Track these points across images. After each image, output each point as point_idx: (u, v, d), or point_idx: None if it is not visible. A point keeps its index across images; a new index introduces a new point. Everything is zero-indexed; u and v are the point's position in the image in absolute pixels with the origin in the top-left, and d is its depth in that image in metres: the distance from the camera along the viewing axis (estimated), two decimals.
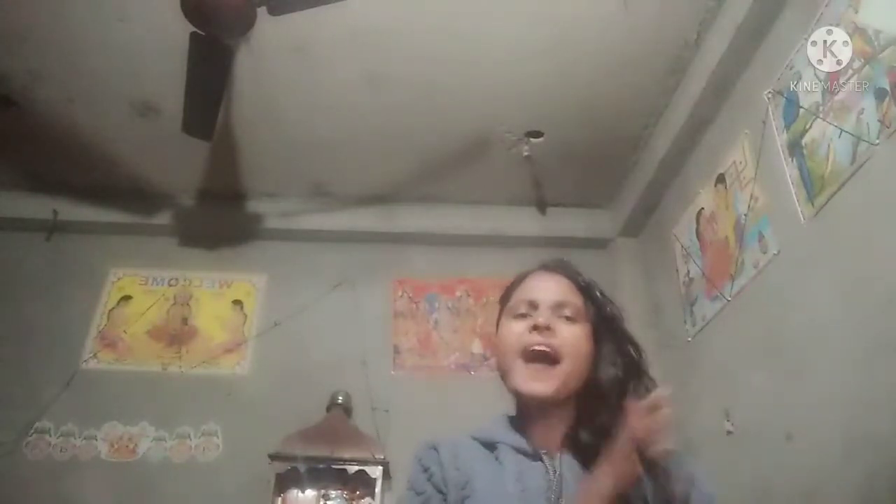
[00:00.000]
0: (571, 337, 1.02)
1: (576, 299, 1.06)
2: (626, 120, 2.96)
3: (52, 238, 3.40)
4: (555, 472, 0.97)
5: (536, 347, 1.01)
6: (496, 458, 1.00)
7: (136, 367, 3.15)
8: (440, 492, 0.98)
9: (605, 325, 1.06)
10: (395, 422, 2.95)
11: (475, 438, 1.05)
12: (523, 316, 1.06)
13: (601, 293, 1.10)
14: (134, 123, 2.95)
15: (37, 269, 3.32)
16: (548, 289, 1.07)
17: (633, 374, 1.02)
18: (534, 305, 1.06)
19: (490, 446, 1.03)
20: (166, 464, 2.91)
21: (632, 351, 1.04)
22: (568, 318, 1.04)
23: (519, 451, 1.01)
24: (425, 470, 1.01)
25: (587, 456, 0.95)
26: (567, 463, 0.97)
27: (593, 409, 0.99)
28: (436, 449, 1.03)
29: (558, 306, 1.05)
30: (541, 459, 0.99)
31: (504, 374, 1.06)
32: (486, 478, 0.97)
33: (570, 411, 1.02)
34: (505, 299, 1.13)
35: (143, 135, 3.02)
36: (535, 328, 1.02)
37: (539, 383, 1.00)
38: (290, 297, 3.31)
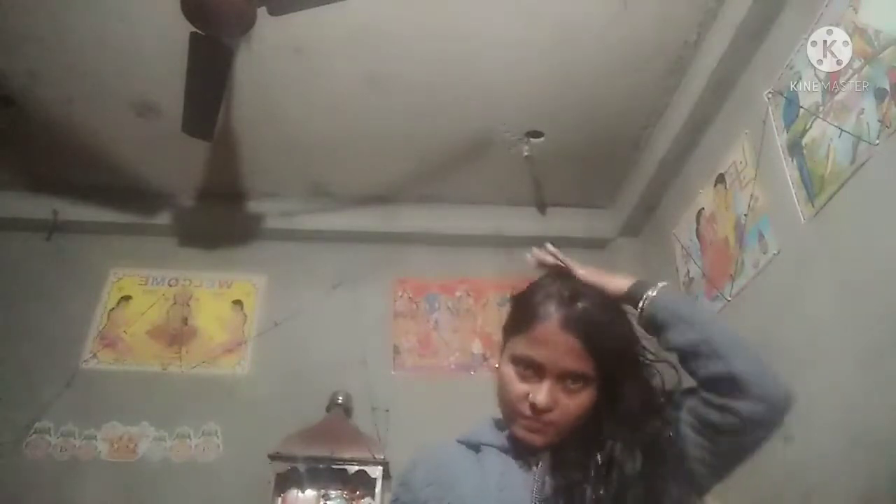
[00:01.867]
0: (572, 407, 0.98)
1: (586, 367, 0.97)
2: (626, 120, 2.96)
3: (52, 238, 3.40)
4: (537, 470, 0.99)
5: (525, 423, 0.99)
6: (479, 461, 1.03)
7: (136, 367, 3.15)
8: None
9: (614, 377, 1.00)
10: (395, 422, 2.95)
11: (461, 442, 1.08)
12: (525, 375, 0.99)
13: (620, 340, 1.01)
14: (134, 123, 2.95)
15: (37, 269, 3.32)
16: (557, 355, 0.97)
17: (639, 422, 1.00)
18: (539, 370, 0.98)
19: (475, 448, 1.06)
20: (166, 464, 2.91)
21: (641, 406, 1.00)
22: (573, 383, 0.97)
23: (503, 451, 1.03)
24: (403, 484, 1.07)
25: (570, 458, 0.97)
26: (549, 463, 0.99)
27: (589, 432, 1.00)
28: (414, 468, 1.07)
29: (563, 376, 0.97)
30: (524, 459, 1.01)
31: (502, 415, 1.05)
32: (469, 481, 1.00)
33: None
34: (510, 330, 1.05)
35: (143, 135, 3.02)
36: (534, 408, 0.97)
37: (533, 435, 1.00)
38: (290, 297, 3.31)
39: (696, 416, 0.95)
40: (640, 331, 1.05)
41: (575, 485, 0.93)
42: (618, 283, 1.05)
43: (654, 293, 1.02)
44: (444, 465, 1.05)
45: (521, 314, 1.03)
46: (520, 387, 0.99)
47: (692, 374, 0.97)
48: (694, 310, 1.04)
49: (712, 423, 0.93)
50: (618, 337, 1.01)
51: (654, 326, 1.01)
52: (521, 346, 1.01)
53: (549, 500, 0.94)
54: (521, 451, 1.02)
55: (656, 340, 1.03)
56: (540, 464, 1.00)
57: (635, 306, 1.03)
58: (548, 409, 0.96)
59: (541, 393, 0.96)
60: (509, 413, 1.02)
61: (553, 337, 0.97)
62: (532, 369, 0.99)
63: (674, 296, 1.05)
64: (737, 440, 0.94)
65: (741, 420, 0.91)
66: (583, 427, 0.99)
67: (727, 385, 0.92)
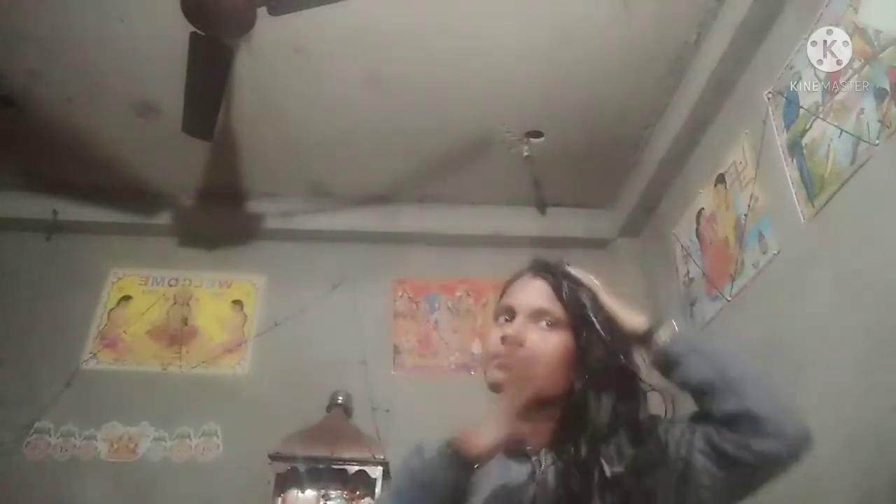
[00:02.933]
0: (544, 344, 1.02)
1: (555, 307, 1.04)
2: (626, 120, 2.96)
3: (52, 238, 3.40)
4: (537, 468, 0.99)
5: (500, 359, 1.02)
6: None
7: (136, 367, 3.15)
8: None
9: (587, 332, 1.03)
10: (395, 422, 2.95)
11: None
12: (504, 321, 1.07)
13: (591, 298, 1.06)
14: (134, 123, 2.95)
15: (37, 269, 3.32)
16: (527, 296, 1.07)
17: (615, 381, 1.01)
18: (511, 312, 1.06)
19: None
20: (166, 464, 2.91)
21: (613, 360, 1.02)
22: (549, 324, 1.03)
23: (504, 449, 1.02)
24: (404, 466, 1.03)
25: (570, 455, 0.96)
26: (550, 461, 0.99)
27: (574, 413, 1.00)
28: (420, 452, 1.04)
29: (537, 313, 1.04)
30: (525, 456, 1.01)
31: (485, 374, 1.08)
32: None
33: (553, 413, 1.03)
34: (496, 305, 1.14)
35: (142, 135, 3.01)
36: (504, 339, 1.02)
37: (500, 372, 1.02)
38: (290, 297, 3.31)
39: (710, 445, 0.92)
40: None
41: (580, 495, 0.93)
42: (635, 318, 1.05)
43: (668, 329, 1.02)
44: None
45: (504, 284, 1.15)
46: (496, 331, 1.05)
47: (708, 412, 0.94)
48: (708, 345, 1.02)
49: (726, 454, 0.91)
50: (585, 287, 1.08)
51: (668, 362, 1.00)
52: (499, 304, 1.10)
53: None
54: (521, 449, 1.01)
55: (670, 378, 1.00)
56: (541, 462, 0.99)
57: (649, 342, 1.02)
58: (517, 341, 1.01)
59: (511, 327, 1.03)
60: (485, 361, 1.06)
61: (524, 283, 1.09)
62: (506, 315, 1.07)
63: (688, 332, 1.05)
64: (750, 474, 0.93)
65: (756, 457, 0.89)
66: (578, 427, 0.98)
67: (743, 422, 0.90)
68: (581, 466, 0.94)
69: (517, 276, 1.13)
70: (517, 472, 0.99)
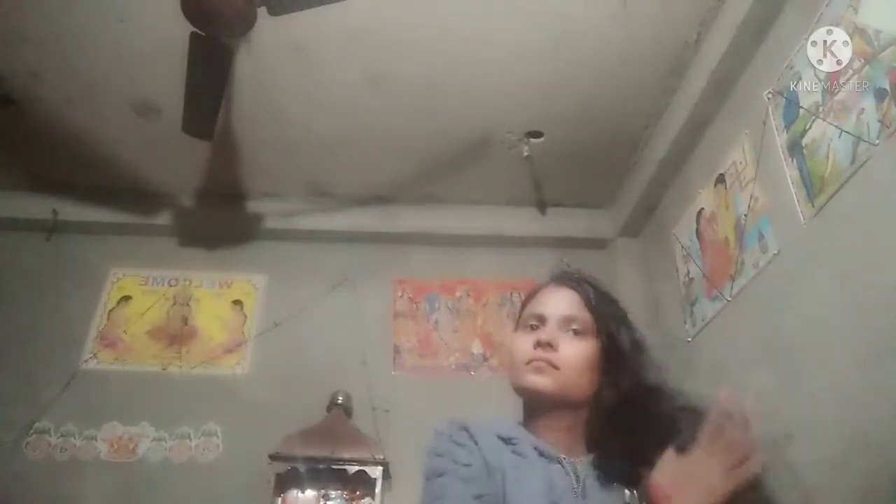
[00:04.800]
0: (575, 351, 1.05)
1: (584, 314, 1.08)
2: (626, 120, 2.96)
3: (52, 238, 3.40)
4: (576, 476, 0.97)
5: (536, 363, 1.04)
6: (516, 453, 0.99)
7: (136, 367, 3.15)
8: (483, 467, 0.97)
9: (612, 342, 1.07)
10: (395, 422, 2.95)
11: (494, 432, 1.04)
12: (532, 328, 1.09)
13: (615, 308, 1.12)
14: (134, 123, 2.95)
15: (37, 269, 3.32)
16: (556, 303, 1.10)
17: (641, 393, 1.03)
18: (542, 319, 1.09)
19: (508, 441, 1.02)
20: (166, 464, 2.91)
21: (633, 373, 1.04)
22: (576, 333, 1.06)
23: (537, 450, 1.00)
24: (461, 445, 0.99)
25: (603, 466, 0.97)
26: (585, 468, 0.99)
27: (600, 422, 1.02)
28: (467, 429, 1.02)
29: (566, 321, 1.07)
30: (559, 462, 0.99)
31: (512, 381, 1.09)
32: (515, 469, 0.97)
33: (577, 420, 1.04)
34: (520, 313, 1.17)
35: (143, 135, 3.02)
36: (538, 344, 1.05)
37: (541, 378, 1.03)
38: (290, 297, 3.31)
39: None
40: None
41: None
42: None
43: None
44: (490, 443, 1.00)
45: (527, 295, 1.18)
46: (526, 337, 1.08)
47: None
48: None
49: None
50: (610, 297, 1.13)
51: None
52: (526, 313, 1.13)
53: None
54: (555, 455, 1.00)
55: None
56: (578, 469, 0.98)
57: None
58: (551, 344, 1.04)
59: (544, 332, 1.06)
60: (518, 366, 1.06)
61: (552, 293, 1.13)
62: (536, 321, 1.10)
63: None
64: None
65: None
66: (605, 438, 0.99)
67: None
68: (619, 476, 0.95)
69: (539, 288, 1.16)
70: (553, 471, 0.98)
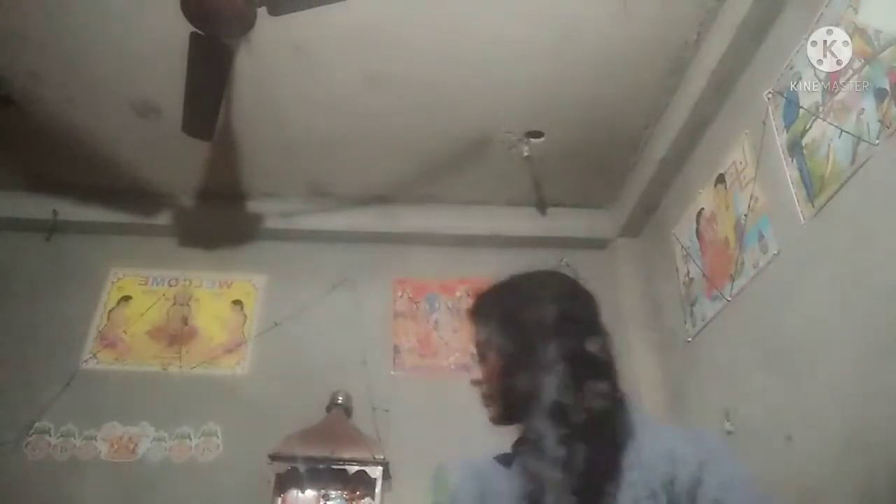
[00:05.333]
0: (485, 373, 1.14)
1: (477, 337, 1.17)
2: (627, 120, 2.96)
3: (52, 238, 3.40)
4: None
5: None
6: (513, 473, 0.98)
7: (136, 367, 3.15)
8: None
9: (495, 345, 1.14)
10: (395, 422, 2.95)
11: (495, 458, 1.04)
12: None
13: (506, 312, 1.14)
14: (134, 123, 2.95)
15: (37, 269, 3.32)
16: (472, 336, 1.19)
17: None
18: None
19: (508, 462, 1.01)
20: (166, 464, 2.91)
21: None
22: (482, 359, 1.15)
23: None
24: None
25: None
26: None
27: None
28: (460, 482, 1.01)
29: (476, 352, 1.17)
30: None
31: None
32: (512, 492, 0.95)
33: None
34: None
35: (143, 135, 3.02)
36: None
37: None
38: (290, 297, 3.31)
39: None
40: None
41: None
42: None
43: None
44: (487, 478, 1.00)
45: None
46: None
47: None
48: None
49: None
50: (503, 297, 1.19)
51: None
52: None
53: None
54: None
55: None
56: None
57: None
58: (479, 383, 1.14)
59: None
60: None
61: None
62: None
63: None
64: None
65: None
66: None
67: None
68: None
69: None
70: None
